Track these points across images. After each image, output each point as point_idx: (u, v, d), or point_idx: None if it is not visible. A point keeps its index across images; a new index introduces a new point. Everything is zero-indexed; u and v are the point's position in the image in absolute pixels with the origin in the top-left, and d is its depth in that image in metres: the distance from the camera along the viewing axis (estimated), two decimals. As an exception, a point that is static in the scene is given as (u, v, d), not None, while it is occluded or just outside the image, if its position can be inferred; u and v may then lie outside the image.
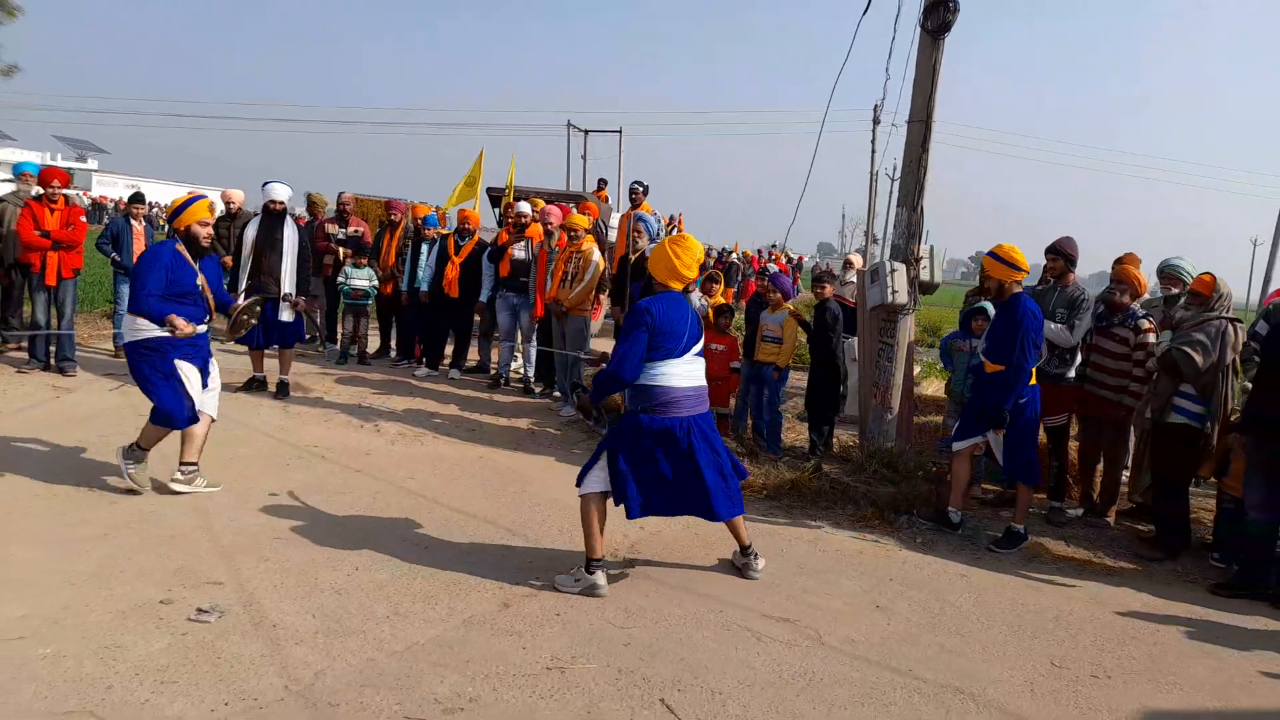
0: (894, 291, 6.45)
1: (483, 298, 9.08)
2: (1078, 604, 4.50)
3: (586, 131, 25.33)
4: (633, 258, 7.94)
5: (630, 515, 4.12)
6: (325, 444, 6.36)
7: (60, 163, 51.78)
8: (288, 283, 7.56)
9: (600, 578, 4.10)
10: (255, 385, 7.80)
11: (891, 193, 45.72)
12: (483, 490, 5.62)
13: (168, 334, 4.80)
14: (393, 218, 10.07)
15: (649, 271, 4.39)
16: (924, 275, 6.71)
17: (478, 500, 5.39)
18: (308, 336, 8.42)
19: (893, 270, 6.49)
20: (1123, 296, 5.93)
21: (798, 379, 8.52)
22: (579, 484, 4.21)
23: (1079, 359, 5.97)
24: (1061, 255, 5.92)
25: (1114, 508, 6.03)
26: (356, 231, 10.23)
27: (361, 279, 9.61)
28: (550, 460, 6.53)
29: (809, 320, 7.56)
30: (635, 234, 8.25)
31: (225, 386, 7.70)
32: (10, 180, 8.55)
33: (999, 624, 4.15)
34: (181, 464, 5.06)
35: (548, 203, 9.73)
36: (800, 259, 46.08)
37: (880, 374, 6.73)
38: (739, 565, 4.53)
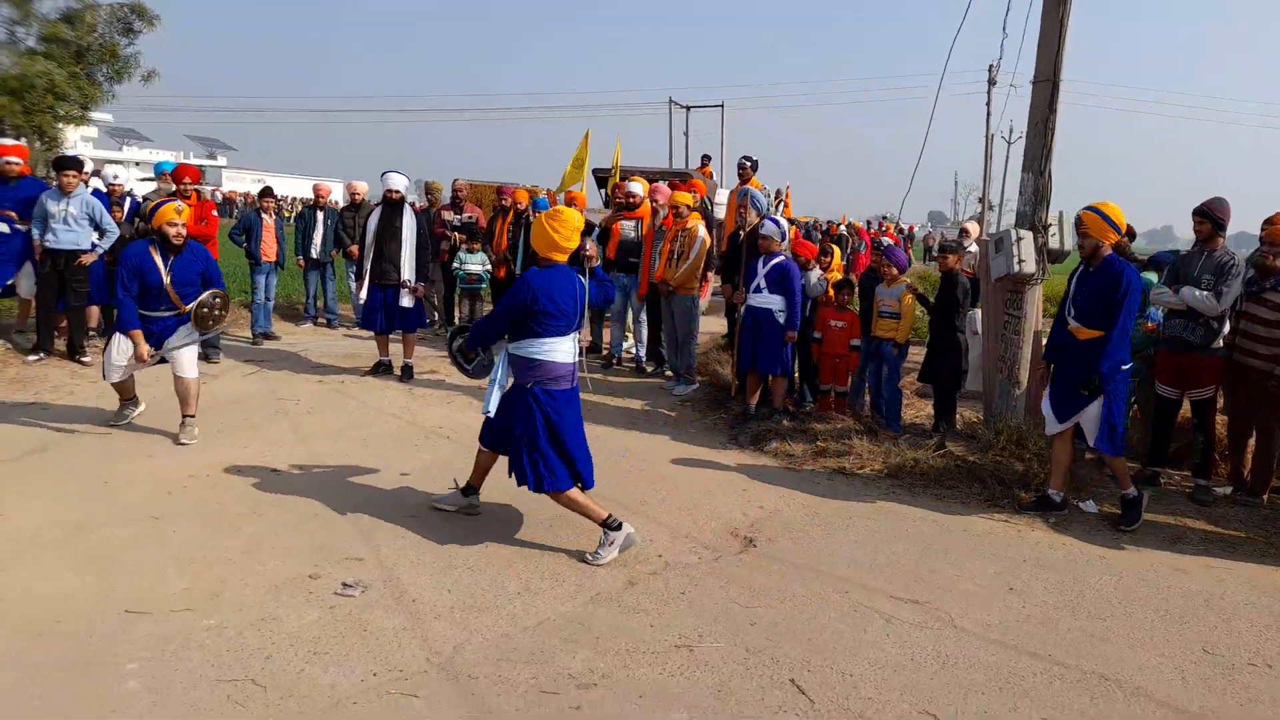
0: (1020, 261, 6.17)
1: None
2: (1230, 587, 4.24)
3: (688, 108, 25.10)
4: (742, 235, 7.85)
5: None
6: (449, 425, 6.57)
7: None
8: (407, 269, 7.80)
9: (626, 528, 4.24)
10: (381, 369, 8.12)
11: (1008, 158, 43.80)
12: (600, 470, 5.65)
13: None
14: (503, 203, 10.27)
15: (532, 246, 4.46)
16: (1053, 243, 6.39)
17: (598, 479, 5.45)
18: (428, 321, 8.68)
19: (1019, 239, 6.20)
20: (1276, 260, 5.50)
21: (914, 353, 8.28)
22: (542, 488, 4.22)
23: (1226, 328, 5.59)
24: (1209, 218, 5.54)
25: (1269, 484, 5.64)
26: (470, 217, 10.48)
27: (475, 264, 9.85)
28: (665, 439, 6.56)
29: (927, 293, 7.34)
30: (743, 210, 8.15)
31: (353, 370, 8.13)
32: (151, 179, 9.12)
33: (1144, 608, 3.95)
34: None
35: (652, 181, 9.74)
36: (911, 229, 44.74)
37: (1006, 347, 6.46)
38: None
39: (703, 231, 7.93)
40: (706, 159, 18.06)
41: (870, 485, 5.63)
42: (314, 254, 10.46)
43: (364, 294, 7.95)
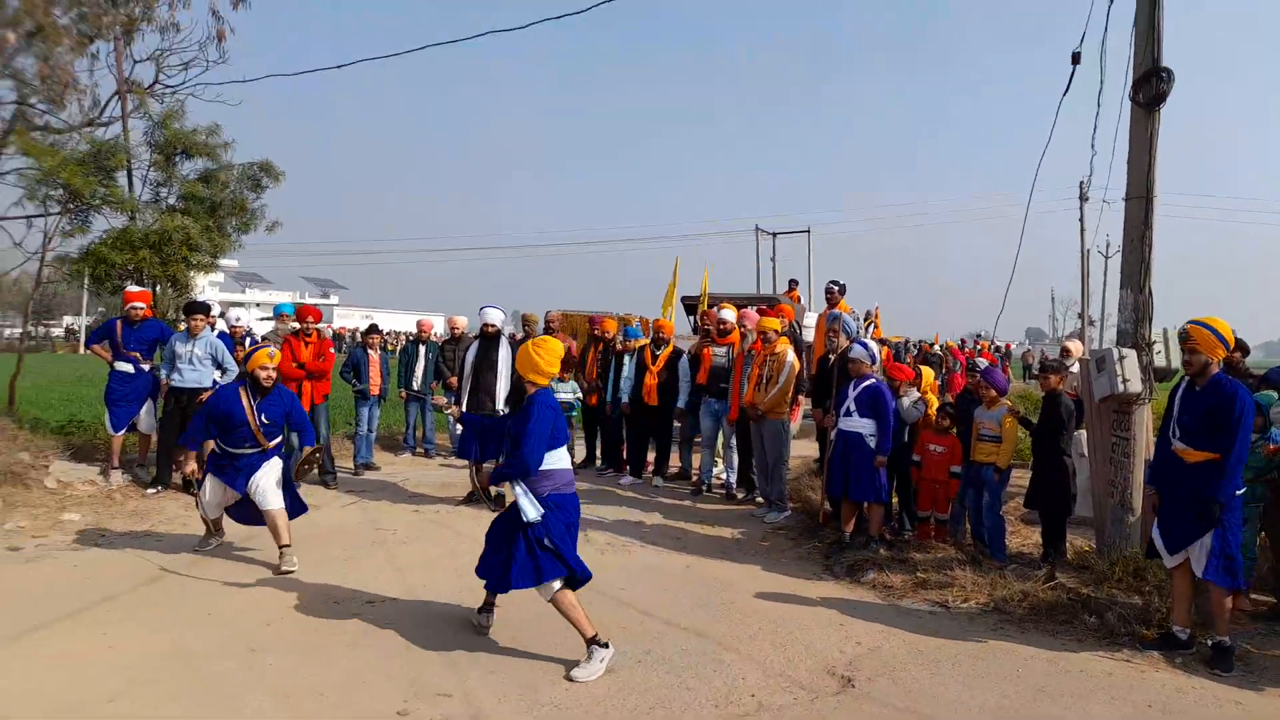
0: (1125, 380, 5.95)
1: (680, 403, 9.28)
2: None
3: (774, 234, 25.61)
4: (832, 358, 7.83)
5: (586, 577, 4.54)
6: (539, 555, 6.57)
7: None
8: (502, 400, 8.04)
9: (610, 648, 4.38)
10: (475, 498, 8.26)
11: (1106, 271, 42.75)
12: (692, 601, 5.58)
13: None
14: (595, 333, 10.56)
15: (517, 369, 4.83)
16: (1159, 360, 6.15)
17: (687, 611, 5.36)
18: None
19: (1122, 357, 6.00)
20: None
21: (1018, 475, 7.95)
22: (538, 584, 4.39)
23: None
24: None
25: None
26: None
27: (566, 392, 10.06)
28: (757, 569, 6.41)
29: (1029, 414, 7.11)
30: (833, 333, 8.17)
31: (448, 500, 8.29)
32: (270, 319, 9.77)
33: (1294, 763, 3.56)
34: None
35: (740, 307, 9.89)
36: (1008, 346, 43.66)
37: (1117, 471, 6.15)
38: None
39: (791, 356, 7.95)
40: (794, 283, 18.26)
41: (975, 620, 5.34)
42: (415, 386, 10.88)
43: (460, 424, 8.18)
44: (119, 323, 8.29)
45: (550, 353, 4.68)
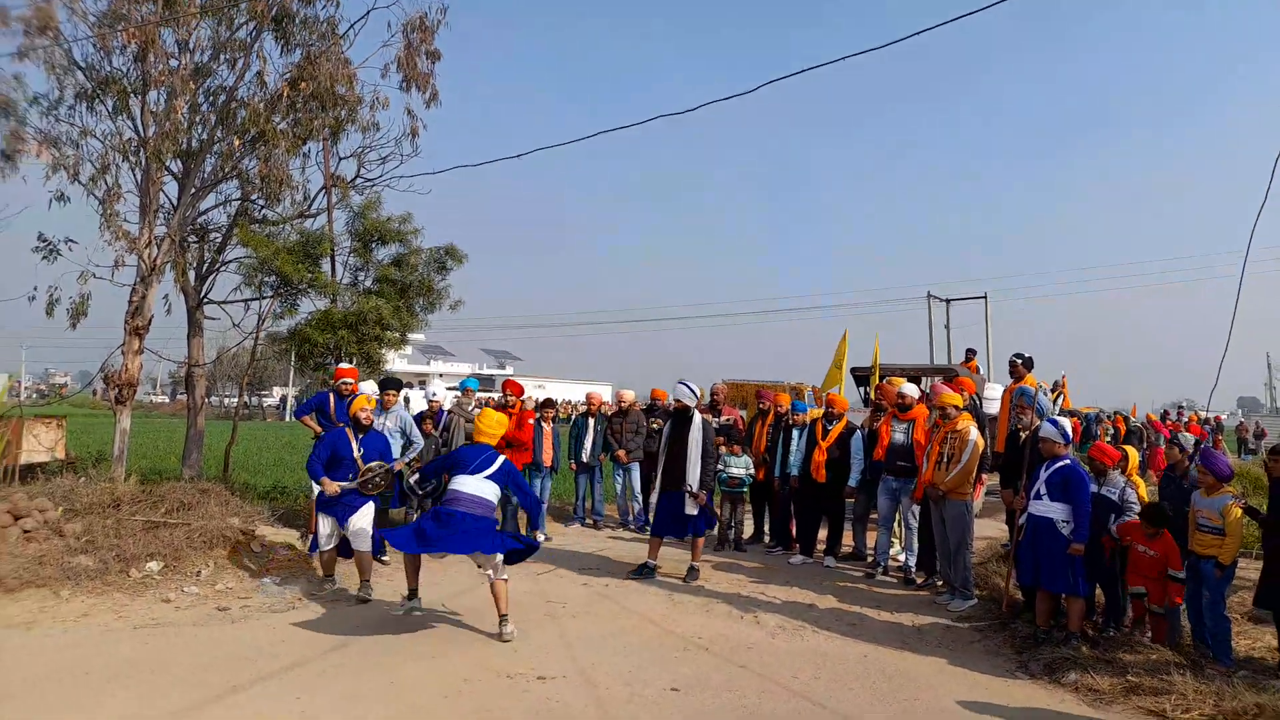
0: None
1: (852, 481, 8.94)
2: None
3: (948, 300, 24.62)
4: (1023, 435, 7.32)
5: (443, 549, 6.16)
6: (707, 635, 6.42)
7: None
8: (692, 477, 8.04)
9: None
10: (645, 572, 8.23)
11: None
12: (871, 695, 5.25)
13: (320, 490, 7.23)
14: (762, 406, 10.41)
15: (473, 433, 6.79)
16: None
17: (867, 707, 5.04)
18: (707, 527, 8.78)
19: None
20: None
21: (1243, 566, 7.07)
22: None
23: None
24: None
25: None
26: (729, 420, 10.70)
27: (739, 467, 9.92)
28: (942, 662, 5.97)
29: (1249, 493, 6.34)
30: (1019, 410, 7.67)
31: (616, 573, 8.29)
32: (455, 390, 10.32)
33: None
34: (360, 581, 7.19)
35: (912, 379, 9.48)
36: (1217, 419, 39.49)
37: (1370, 568, 5.34)
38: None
39: (974, 433, 7.50)
40: (971, 353, 17.44)
41: (1203, 736, 4.71)
42: (584, 458, 11.08)
43: (654, 498, 8.42)
44: (331, 395, 8.96)
45: (485, 421, 6.72)
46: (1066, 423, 6.65)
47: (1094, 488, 6.45)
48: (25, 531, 7.24)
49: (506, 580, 6.25)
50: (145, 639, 5.81)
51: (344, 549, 7.48)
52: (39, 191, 10.03)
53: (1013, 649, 6.28)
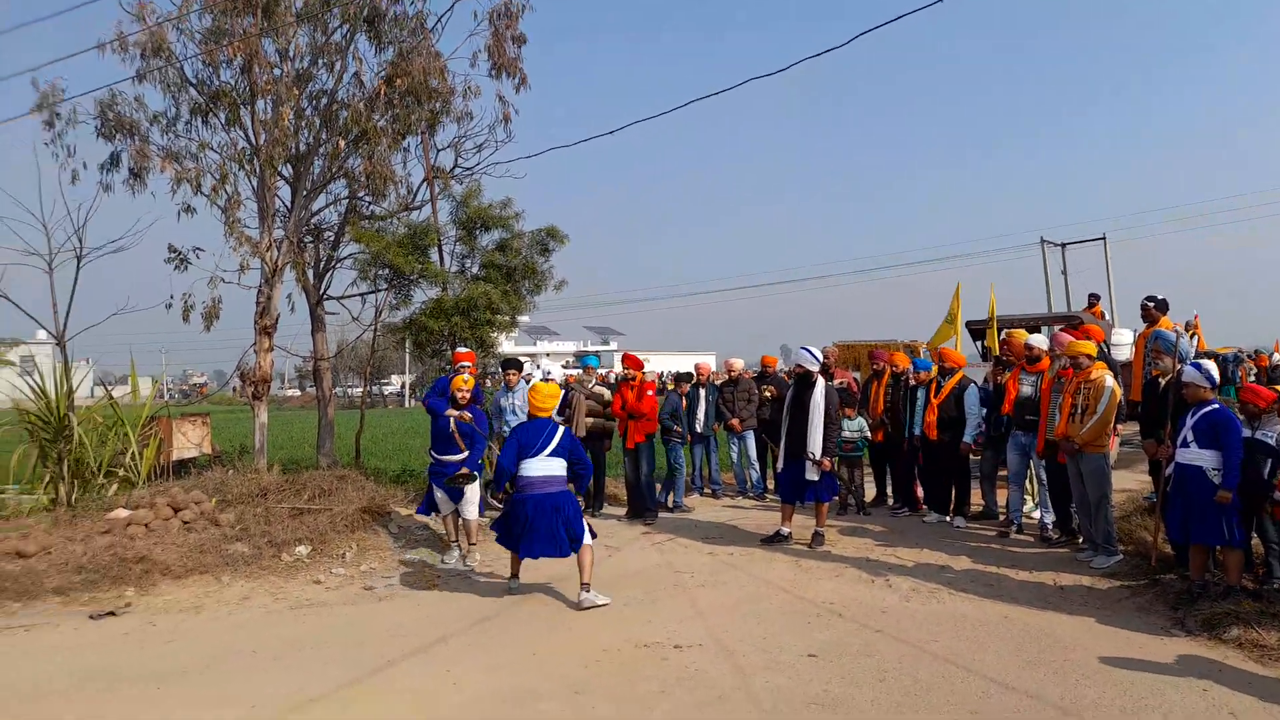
0: None
1: (966, 437, 8.69)
2: None
3: (1064, 245, 23.46)
4: (1162, 382, 6.93)
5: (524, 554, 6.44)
6: (840, 600, 6.36)
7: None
8: (814, 443, 7.96)
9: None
10: (777, 539, 8.21)
11: None
12: (1017, 657, 5.10)
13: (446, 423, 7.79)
14: (876, 367, 10.18)
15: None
16: None
17: (1013, 669, 4.90)
18: (832, 494, 8.70)
19: None
20: None
21: None
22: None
23: None
24: None
25: None
26: (842, 383, 10.51)
27: (852, 430, 9.75)
28: (1090, 621, 5.74)
29: None
30: (1155, 355, 7.26)
31: (738, 541, 8.29)
32: (575, 369, 10.55)
33: None
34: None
35: (1031, 330, 9.10)
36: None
37: None
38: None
39: (1110, 382, 7.13)
40: (1094, 298, 16.61)
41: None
42: (698, 428, 11.08)
43: (780, 465, 8.42)
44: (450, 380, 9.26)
45: (537, 395, 6.76)
46: (1211, 365, 6.26)
47: (1246, 432, 6.05)
48: (185, 522, 7.76)
49: (590, 547, 6.51)
50: (302, 619, 6.16)
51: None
52: (166, 205, 10.64)
53: (1166, 605, 5.99)
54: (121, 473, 9.36)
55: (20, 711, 4.52)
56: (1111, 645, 5.24)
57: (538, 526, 6.26)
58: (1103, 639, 5.37)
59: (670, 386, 11.16)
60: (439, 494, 7.75)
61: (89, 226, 9.82)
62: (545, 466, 6.44)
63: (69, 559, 6.87)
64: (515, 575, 6.78)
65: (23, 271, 9.95)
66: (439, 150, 12.51)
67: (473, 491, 7.72)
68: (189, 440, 11.18)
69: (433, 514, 8.10)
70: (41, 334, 11.48)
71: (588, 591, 6.25)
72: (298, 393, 71.11)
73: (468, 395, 7.89)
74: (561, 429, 6.69)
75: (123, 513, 7.74)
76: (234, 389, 35.46)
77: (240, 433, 17.16)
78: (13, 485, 9.75)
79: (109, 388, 10.75)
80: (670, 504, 10.33)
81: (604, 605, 6.20)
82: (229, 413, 33.62)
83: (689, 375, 11.09)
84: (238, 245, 10.39)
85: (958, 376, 8.97)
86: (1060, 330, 8.57)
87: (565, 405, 9.92)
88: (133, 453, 9.53)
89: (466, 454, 7.77)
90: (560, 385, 10.13)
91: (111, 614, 6.18)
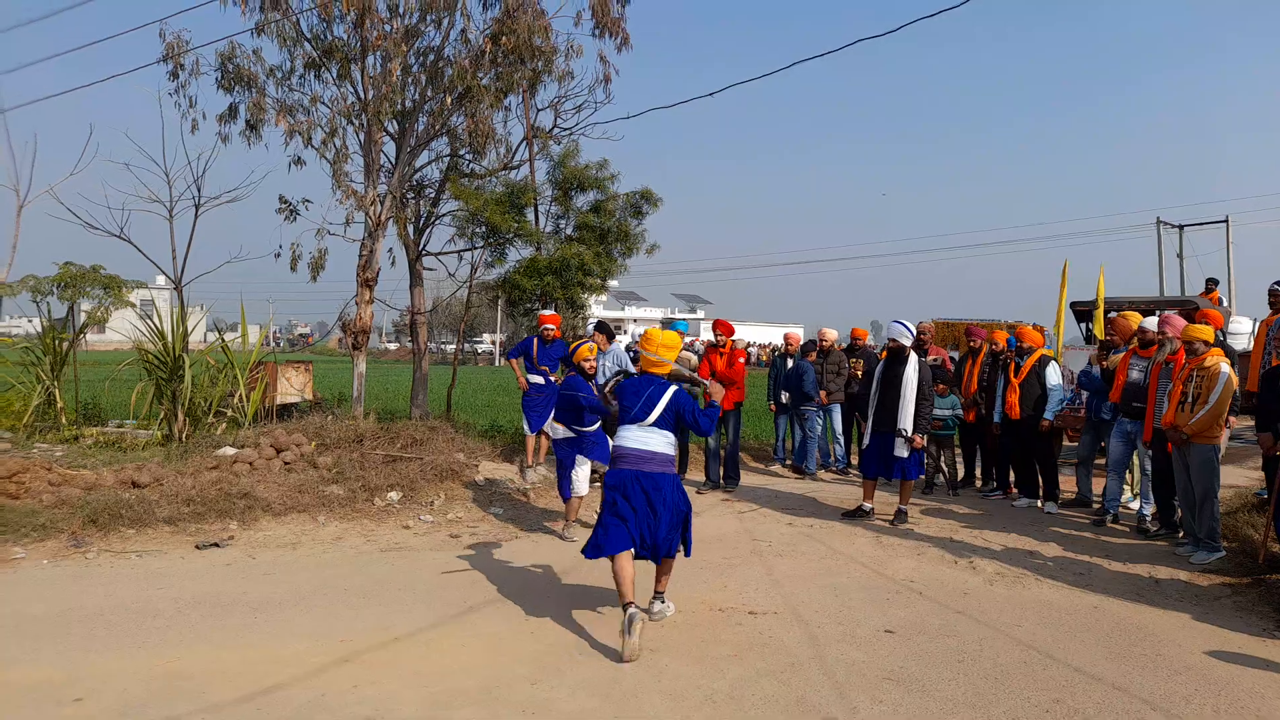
0: None
1: (1047, 415, 8.43)
2: None
3: (1181, 227, 22.22)
4: (1284, 373, 6.53)
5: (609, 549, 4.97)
6: (920, 579, 6.26)
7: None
8: (905, 419, 7.83)
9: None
10: (859, 514, 8.13)
11: None
12: (1105, 649, 4.93)
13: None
14: (972, 344, 9.88)
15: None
16: None
17: (1100, 660, 4.74)
18: (920, 472, 8.54)
19: None
20: None
21: None
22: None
23: None
24: None
25: None
26: (936, 360, 10.24)
27: (944, 408, 9.51)
28: (1186, 618, 5.50)
29: None
30: (1278, 343, 6.82)
31: (819, 514, 8.22)
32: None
33: None
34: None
35: (1145, 313, 8.66)
36: None
37: None
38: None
39: (1226, 370, 6.75)
40: (1213, 283, 15.73)
41: None
42: (784, 399, 10.99)
43: (866, 439, 8.31)
44: (535, 340, 9.43)
45: (650, 344, 5.45)
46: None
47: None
48: (286, 463, 8.16)
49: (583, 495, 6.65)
50: (391, 561, 6.42)
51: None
52: (278, 157, 11.10)
53: (1270, 606, 5.69)
54: (230, 413, 9.87)
55: (130, 629, 4.86)
56: (1208, 643, 5.02)
57: (624, 514, 4.97)
58: (1199, 636, 5.14)
59: (798, 355, 11.03)
60: (558, 430, 7.50)
61: (207, 176, 10.32)
62: (644, 439, 5.07)
63: (179, 491, 7.31)
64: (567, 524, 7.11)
65: (145, 217, 10.55)
66: (539, 110, 12.61)
67: (585, 468, 7.46)
68: (292, 386, 11.68)
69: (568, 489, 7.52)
70: (160, 278, 12.13)
71: (661, 601, 5.31)
72: (394, 346, 73.38)
73: (594, 366, 7.52)
74: (673, 389, 5.23)
75: (230, 451, 8.18)
76: (337, 340, 36.85)
77: (339, 382, 17.85)
78: (131, 420, 10.41)
79: (221, 332, 11.30)
80: (805, 470, 10.63)
81: (674, 614, 5.36)
82: (329, 362, 35.01)
83: (812, 344, 11.05)
84: (344, 198, 10.71)
85: (1036, 355, 8.68)
86: (1172, 314, 8.14)
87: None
88: (240, 395, 10.03)
89: (596, 426, 7.38)
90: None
91: (215, 545, 6.57)
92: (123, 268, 11.47)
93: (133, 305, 11.96)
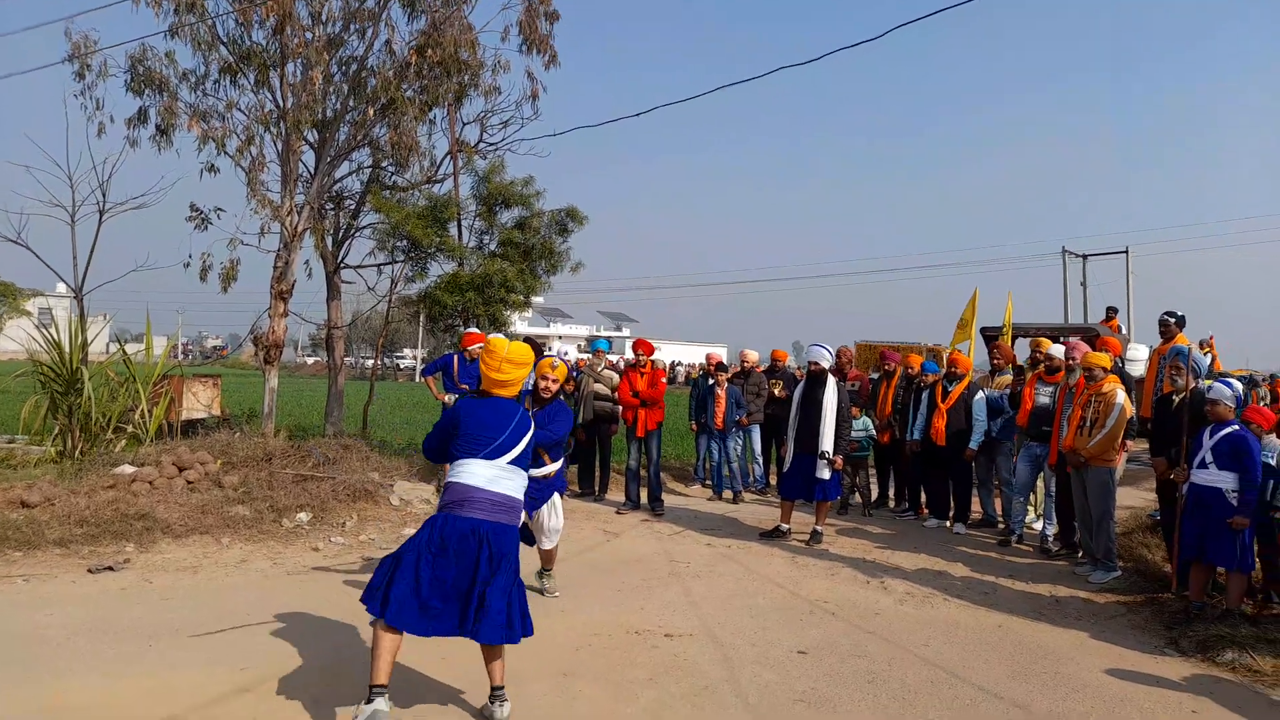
0: None
1: (972, 444, 8.65)
2: None
3: (1085, 256, 23.29)
4: (1176, 399, 6.86)
5: (386, 618, 3.80)
6: (834, 599, 6.35)
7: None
8: (826, 440, 7.95)
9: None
10: (776, 534, 8.22)
11: None
12: (1007, 667, 5.08)
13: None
14: (886, 367, 10.14)
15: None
16: None
17: (1003, 679, 4.88)
18: (838, 493, 8.66)
19: None
20: None
21: None
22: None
23: None
24: None
25: None
26: (854, 385, 10.46)
27: (858, 430, 9.71)
28: (1084, 636, 5.71)
29: None
30: (1174, 371, 7.17)
31: (737, 535, 8.28)
32: (586, 354, 10.52)
33: None
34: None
35: (1052, 339, 9.03)
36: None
37: None
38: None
39: (1121, 396, 7.08)
40: (1113, 311, 16.52)
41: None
42: (706, 419, 11.06)
43: (788, 461, 8.36)
44: (455, 358, 9.29)
45: (491, 357, 4.22)
46: (1238, 384, 6.19)
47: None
48: (189, 482, 7.84)
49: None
50: (299, 584, 6.20)
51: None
52: (190, 164, 10.69)
53: (1162, 625, 5.95)
54: (130, 429, 9.43)
55: (15, 658, 4.57)
56: (1104, 661, 5.22)
57: (423, 578, 3.84)
58: (1095, 654, 5.34)
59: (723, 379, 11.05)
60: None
61: (113, 181, 9.89)
62: (500, 478, 4.00)
63: (72, 512, 6.95)
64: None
65: (45, 223, 10.03)
66: (464, 124, 12.52)
67: (558, 519, 6.00)
68: (199, 401, 11.26)
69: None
70: (60, 286, 11.57)
71: (502, 705, 4.04)
72: (312, 360, 71.50)
73: (550, 390, 5.73)
74: (532, 425, 4.25)
75: (128, 469, 7.81)
76: (250, 353, 35.71)
77: (250, 397, 17.28)
78: (22, 436, 9.86)
79: (123, 344, 10.81)
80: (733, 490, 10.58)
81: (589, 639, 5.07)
82: (240, 376, 33.88)
83: (722, 366, 11.12)
84: (259, 208, 10.40)
85: (965, 382, 8.91)
86: (1079, 340, 8.51)
87: (575, 385, 9.90)
88: (142, 410, 9.60)
89: (553, 466, 5.81)
90: (571, 368, 10.12)
91: (110, 569, 6.25)
92: (19, 275, 10.88)
93: (29, 314, 11.39)
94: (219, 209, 11.01)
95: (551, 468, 5.77)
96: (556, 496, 5.97)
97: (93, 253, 10.02)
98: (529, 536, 5.49)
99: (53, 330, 9.24)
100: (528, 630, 4.03)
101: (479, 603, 3.82)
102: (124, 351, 10.30)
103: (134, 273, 10.46)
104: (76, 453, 8.73)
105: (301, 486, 8.05)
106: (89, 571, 6.17)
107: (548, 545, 6.02)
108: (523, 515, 4.14)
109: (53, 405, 9.14)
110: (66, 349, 9.08)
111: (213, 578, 6.27)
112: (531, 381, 5.91)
